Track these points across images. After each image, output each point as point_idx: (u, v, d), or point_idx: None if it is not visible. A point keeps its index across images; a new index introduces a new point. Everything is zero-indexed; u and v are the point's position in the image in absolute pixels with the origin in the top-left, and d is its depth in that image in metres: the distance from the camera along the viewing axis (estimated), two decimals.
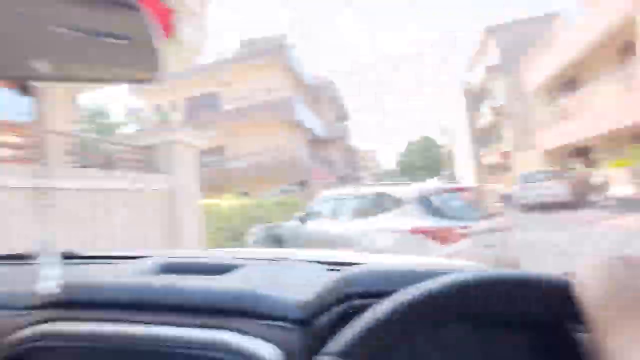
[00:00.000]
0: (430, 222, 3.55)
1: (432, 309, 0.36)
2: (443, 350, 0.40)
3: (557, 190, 12.49)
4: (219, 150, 17.14)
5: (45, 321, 0.51)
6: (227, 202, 9.11)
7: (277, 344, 0.45)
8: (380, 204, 4.13)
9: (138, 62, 0.55)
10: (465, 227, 3.45)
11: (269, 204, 10.29)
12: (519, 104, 21.82)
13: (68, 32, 0.49)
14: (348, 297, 0.45)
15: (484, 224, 3.67)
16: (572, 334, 0.38)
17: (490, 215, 4.07)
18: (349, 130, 35.48)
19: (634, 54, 11.32)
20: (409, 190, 4.01)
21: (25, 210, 3.43)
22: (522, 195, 13.30)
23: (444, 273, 0.39)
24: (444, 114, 43.70)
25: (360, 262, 0.65)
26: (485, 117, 26.89)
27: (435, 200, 3.79)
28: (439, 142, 52.55)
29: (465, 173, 31.98)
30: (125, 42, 0.52)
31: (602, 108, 12.76)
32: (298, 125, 18.09)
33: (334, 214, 4.68)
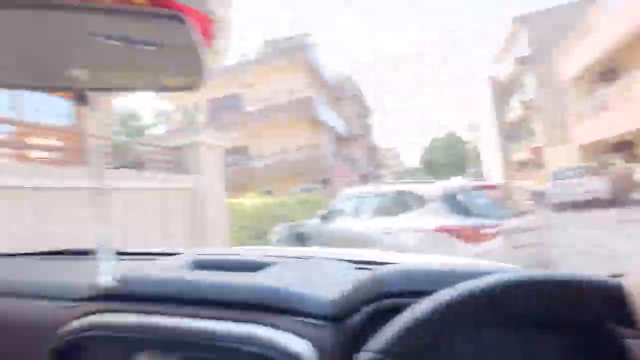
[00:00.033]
0: (455, 221, 3.47)
1: (473, 309, 0.36)
2: (483, 350, 0.40)
3: (596, 186, 11.86)
4: (242, 149, 17.41)
5: (94, 313, 0.54)
6: (250, 201, 9.26)
7: (310, 340, 0.45)
8: (403, 202, 4.08)
9: (184, 70, 0.59)
10: (493, 226, 3.36)
11: (291, 203, 10.37)
12: (551, 96, 20.84)
13: (118, 43, 0.53)
14: (380, 296, 0.45)
15: (514, 223, 3.55)
16: (615, 336, 0.37)
17: (521, 214, 3.94)
18: (371, 128, 35.20)
19: None
20: (433, 188, 3.94)
21: (71, 211, 3.64)
22: (556, 192, 12.69)
23: (482, 274, 0.39)
24: (469, 110, 42.49)
25: (389, 261, 0.65)
26: (515, 111, 25.88)
27: (461, 198, 3.70)
28: (464, 138, 51.24)
29: (493, 170, 30.99)
30: (172, 51, 0.56)
31: None
32: (320, 124, 18.11)
33: (357, 212, 4.66)
